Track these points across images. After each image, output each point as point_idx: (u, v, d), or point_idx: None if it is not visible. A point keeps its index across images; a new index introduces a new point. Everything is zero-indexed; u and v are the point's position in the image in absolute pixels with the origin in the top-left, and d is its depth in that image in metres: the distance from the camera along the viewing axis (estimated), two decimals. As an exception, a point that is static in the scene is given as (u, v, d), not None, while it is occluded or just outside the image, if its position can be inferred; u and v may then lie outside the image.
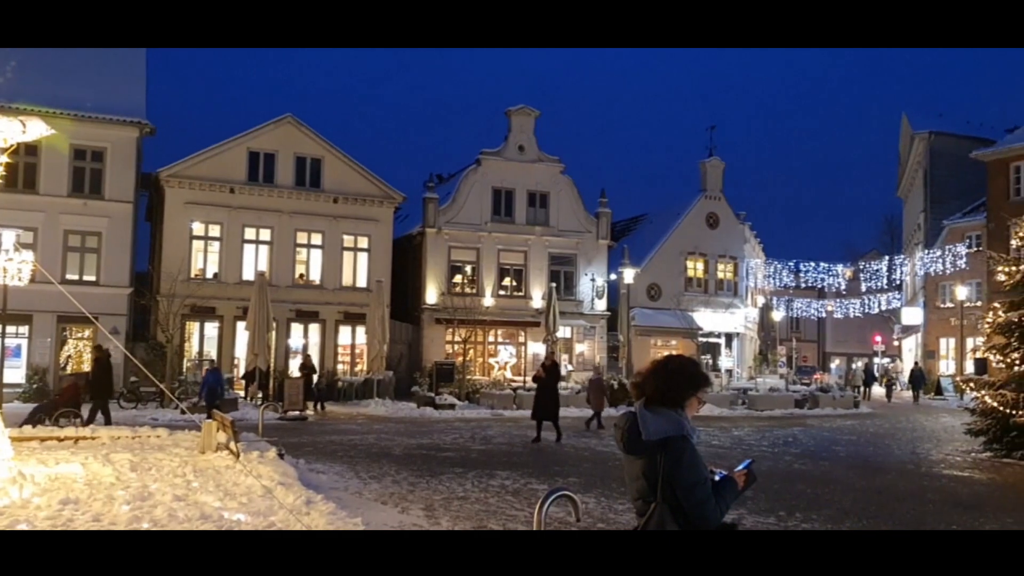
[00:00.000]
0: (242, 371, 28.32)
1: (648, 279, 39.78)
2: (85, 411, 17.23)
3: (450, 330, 32.65)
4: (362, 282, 32.65)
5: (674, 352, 40.92)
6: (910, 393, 37.22)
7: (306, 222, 32.22)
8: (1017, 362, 15.90)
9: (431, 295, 34.41)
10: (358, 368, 31.50)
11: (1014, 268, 16.28)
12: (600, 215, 37.93)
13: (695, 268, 42.17)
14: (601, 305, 37.73)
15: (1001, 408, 15.82)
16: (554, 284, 32.31)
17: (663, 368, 3.54)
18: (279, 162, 31.99)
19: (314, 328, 32.48)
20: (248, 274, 30.18)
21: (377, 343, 27.50)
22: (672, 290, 40.71)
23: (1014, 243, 16.79)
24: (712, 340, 41.92)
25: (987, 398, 16.23)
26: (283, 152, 32.02)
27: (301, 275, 32.69)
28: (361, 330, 31.06)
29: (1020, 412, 15.37)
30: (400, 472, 12.19)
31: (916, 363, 40.54)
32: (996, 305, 17.17)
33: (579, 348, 37.54)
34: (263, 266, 30.46)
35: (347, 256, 33.11)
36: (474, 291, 35.01)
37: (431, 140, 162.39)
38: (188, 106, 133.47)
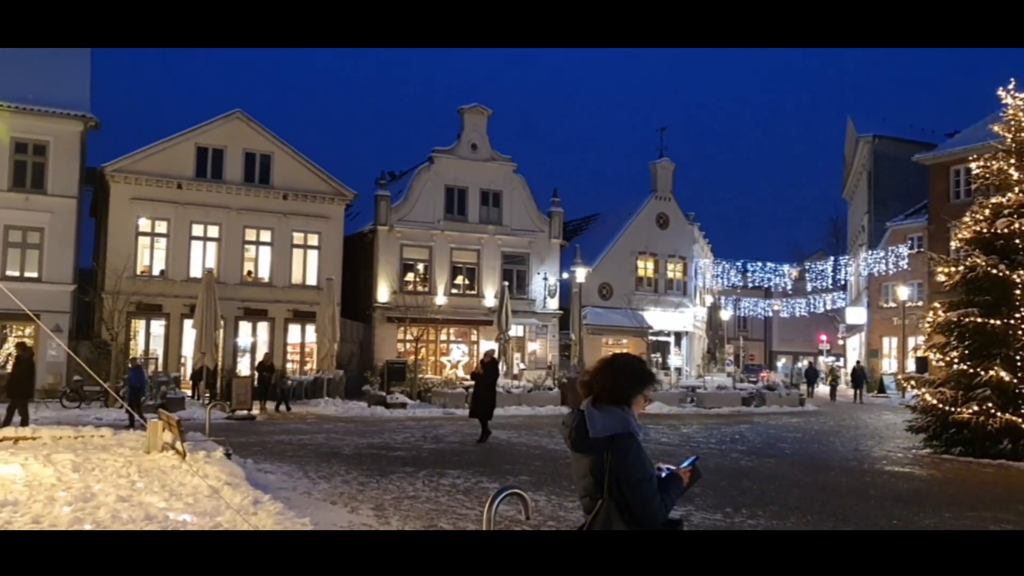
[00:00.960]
0: (189, 370, 27.87)
1: (600, 278, 40.07)
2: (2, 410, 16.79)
3: (402, 328, 32.49)
4: (312, 280, 32.35)
5: (625, 350, 41.32)
6: (852, 391, 37.96)
7: (255, 219, 31.82)
8: (956, 361, 16.36)
9: (383, 293, 34.22)
10: (308, 367, 31.20)
11: (953, 269, 16.74)
12: (552, 214, 38.08)
13: (646, 268, 42.58)
14: (553, 304, 37.90)
15: (940, 405, 16.26)
16: (507, 283, 32.34)
17: (610, 366, 3.56)
18: (228, 158, 31.53)
19: (263, 326, 32.08)
20: (196, 271, 29.71)
21: (327, 342, 27.28)
22: (623, 289, 41.10)
23: (954, 244, 17.28)
24: (662, 339, 42.40)
25: (927, 396, 16.67)
26: (232, 148, 31.58)
27: (250, 272, 32.28)
28: (311, 328, 30.79)
29: (959, 409, 15.82)
30: (350, 472, 12.12)
31: (858, 362, 41.18)
32: (936, 305, 17.63)
33: (531, 347, 37.65)
34: (211, 263, 30.01)
35: (297, 253, 32.77)
36: (426, 289, 34.91)
37: (383, 137, 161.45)
38: (135, 101, 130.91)
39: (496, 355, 21.79)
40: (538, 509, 9.50)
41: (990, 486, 12.64)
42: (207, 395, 23.77)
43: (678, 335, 43.62)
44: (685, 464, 3.64)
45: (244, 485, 8.85)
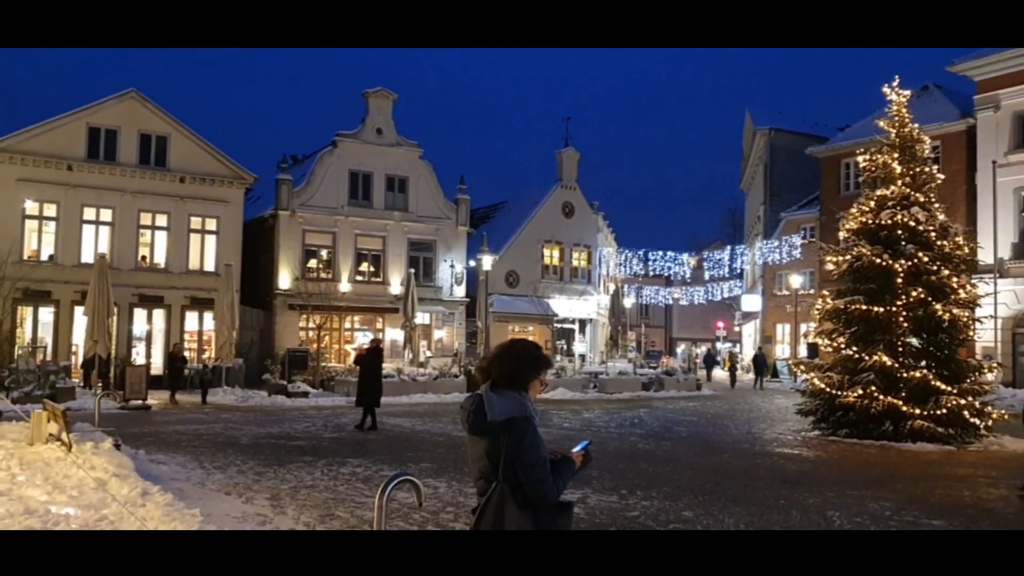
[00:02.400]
0: (80, 358, 26.76)
1: (506, 266, 40.25)
2: None
3: (304, 316, 31.91)
4: (210, 266, 31.48)
5: (531, 337, 41.67)
6: (751, 377, 38.99)
7: (151, 202, 30.73)
8: (842, 346, 17.09)
9: (284, 280, 33.56)
10: (206, 355, 30.36)
11: (840, 258, 17.46)
12: (459, 201, 38.01)
13: (551, 256, 42.99)
14: (460, 291, 37.88)
15: (828, 389, 16.98)
16: (413, 270, 32.16)
17: (507, 352, 3.64)
18: (121, 139, 30.33)
19: (159, 313, 31.07)
20: (87, 256, 28.58)
21: (226, 329, 26.61)
22: (529, 277, 41.40)
23: (842, 235, 17.98)
24: (567, 326, 42.91)
25: (816, 380, 17.38)
26: (126, 128, 30.37)
27: (145, 258, 31.18)
28: (209, 316, 29.95)
29: (845, 393, 16.55)
30: (247, 462, 11.87)
31: (760, 348, 41.84)
32: (825, 293, 18.37)
33: (438, 334, 37.57)
34: (104, 248, 28.89)
35: (194, 239, 31.80)
36: (330, 276, 34.39)
37: (286, 121, 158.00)
38: (21, 76, 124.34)
39: (382, 342, 21.36)
40: (438, 496, 9.52)
41: (872, 466, 13.28)
42: (99, 385, 22.87)
43: (582, 322, 44.25)
44: (578, 448, 3.71)
45: (133, 476, 8.56)
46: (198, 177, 31.36)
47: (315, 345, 29.99)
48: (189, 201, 31.20)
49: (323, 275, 34.20)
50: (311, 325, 31.22)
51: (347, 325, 35.36)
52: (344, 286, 34.38)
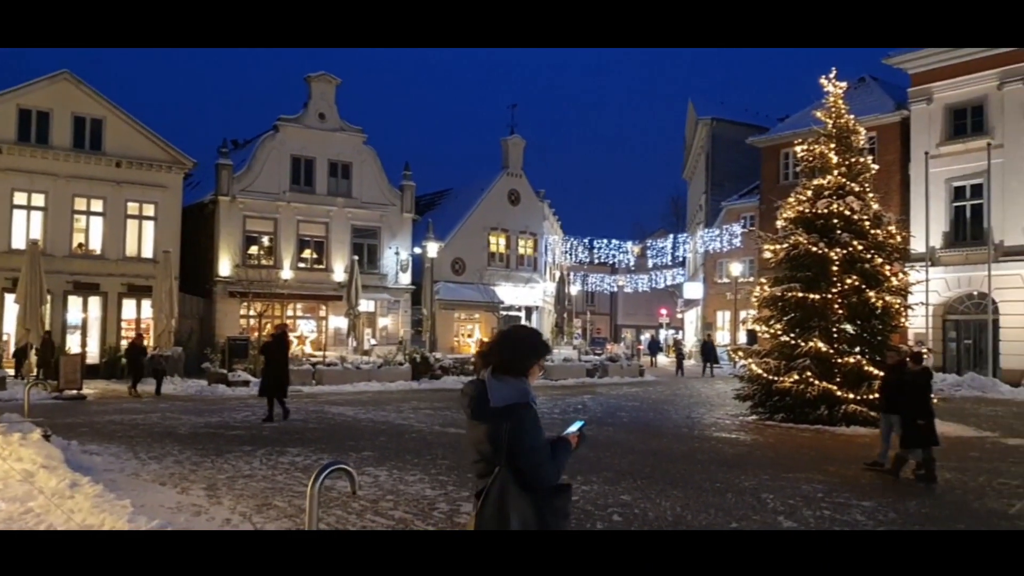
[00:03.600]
0: (12, 347, 25.99)
1: (452, 253, 40.14)
2: None
3: (245, 303, 31.46)
4: (148, 252, 30.80)
5: (475, 325, 41.69)
6: (697, 364, 39.28)
7: (85, 187, 29.90)
8: (779, 333, 17.44)
9: (224, 267, 33.00)
10: (144, 344, 29.68)
11: (778, 247, 17.81)
12: (404, 188, 37.76)
13: (497, 243, 43.00)
14: (405, 279, 37.68)
15: (765, 375, 17.33)
16: (357, 257, 31.88)
17: (508, 338, 3.71)
18: (54, 121, 29.44)
19: (95, 301, 30.30)
20: (19, 242, 27.83)
21: (165, 317, 26.06)
22: (475, 264, 41.37)
23: (780, 224, 18.32)
24: (513, 313, 42.99)
25: (753, 366, 17.72)
26: (59, 111, 29.48)
27: (80, 244, 30.35)
28: (147, 303, 29.31)
29: (781, 378, 16.91)
30: (184, 451, 11.68)
31: (708, 335, 41.74)
32: (763, 281, 18.72)
33: (383, 322, 37.33)
34: (36, 234, 28.16)
35: (131, 224, 31.05)
36: (271, 263, 33.92)
37: (227, 105, 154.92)
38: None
39: (288, 328, 20.32)
40: (378, 484, 9.48)
41: (806, 449, 13.59)
42: (33, 374, 22.25)
43: (528, 310, 44.37)
44: (573, 429, 3.80)
45: (62, 468, 8.35)
46: (135, 162, 30.61)
47: (256, 333, 29.56)
48: (126, 186, 30.45)
49: (264, 262, 33.73)
50: (252, 313, 30.81)
51: (289, 313, 34.90)
52: (286, 273, 33.95)
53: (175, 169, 31.67)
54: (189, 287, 31.85)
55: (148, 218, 31.24)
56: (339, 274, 34.90)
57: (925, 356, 12.94)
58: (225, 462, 10.84)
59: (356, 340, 30.64)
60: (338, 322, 34.39)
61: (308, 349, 32.89)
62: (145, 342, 25.18)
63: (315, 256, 35.57)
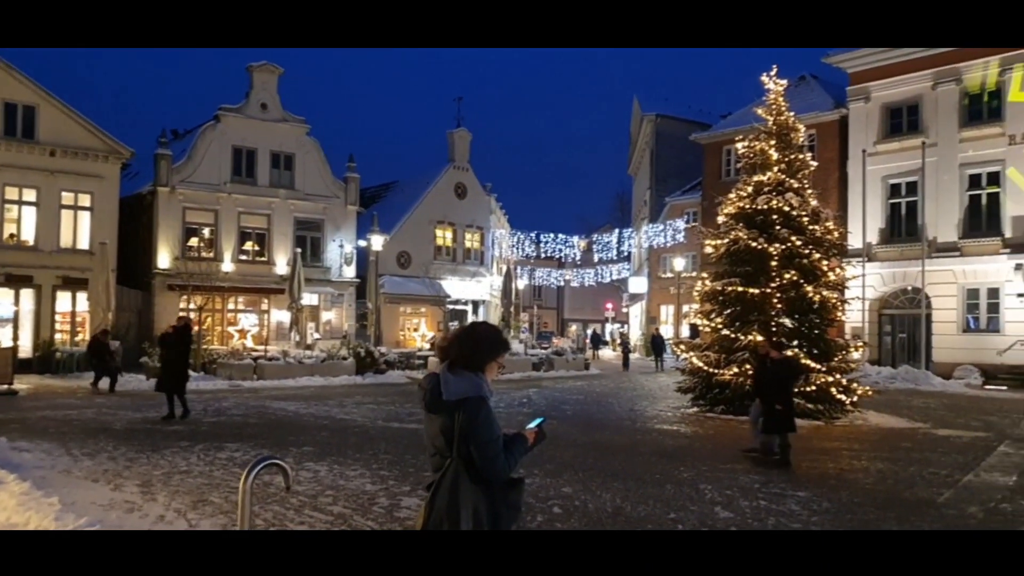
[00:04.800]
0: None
1: (398, 247, 39.92)
2: None
3: (185, 297, 30.83)
4: (84, 244, 29.96)
5: (422, 319, 41.52)
6: (642, 358, 39.43)
7: (17, 176, 28.95)
8: (720, 326, 17.68)
9: (163, 259, 32.32)
10: (79, 338, 28.97)
11: (719, 242, 18.04)
12: (348, 180, 37.39)
13: (444, 237, 42.87)
14: (350, 272, 37.33)
15: (706, 368, 17.56)
16: (299, 250, 31.43)
17: (467, 334, 3.74)
18: (-17, 108, 28.47)
19: (27, 294, 29.35)
20: (-55, 233, 26.80)
21: (101, 311, 25.43)
22: (421, 258, 41.19)
23: (721, 219, 18.57)
24: (459, 307, 42.94)
25: (694, 359, 17.95)
26: (-12, 97, 28.52)
27: (12, 235, 29.39)
28: (83, 296, 28.57)
29: (721, 371, 17.17)
30: (119, 448, 11.42)
31: (656, 329, 41.39)
32: (705, 275, 18.95)
33: (326, 316, 36.95)
34: (-36, 224, 27.14)
35: (66, 215, 30.17)
36: (212, 255, 33.31)
37: (167, 94, 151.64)
38: None
39: (192, 320, 19.26)
40: (318, 479, 9.39)
41: (744, 441, 13.73)
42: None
43: (475, 303, 44.34)
44: (531, 425, 3.82)
45: (-12, 465, 8.10)
46: (70, 151, 29.74)
47: (197, 327, 28.98)
48: (60, 176, 29.57)
49: (205, 254, 33.13)
50: (192, 306, 30.19)
51: (230, 306, 34.36)
52: (227, 266, 33.38)
53: (112, 159, 30.86)
54: (127, 280, 31.12)
55: (84, 208, 30.40)
56: (281, 267, 34.46)
57: (790, 351, 13.30)
58: (161, 458, 10.62)
59: (299, 334, 30.27)
60: (280, 316, 33.96)
61: (249, 343, 32.38)
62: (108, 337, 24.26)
63: (257, 248, 35.05)
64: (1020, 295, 27.49)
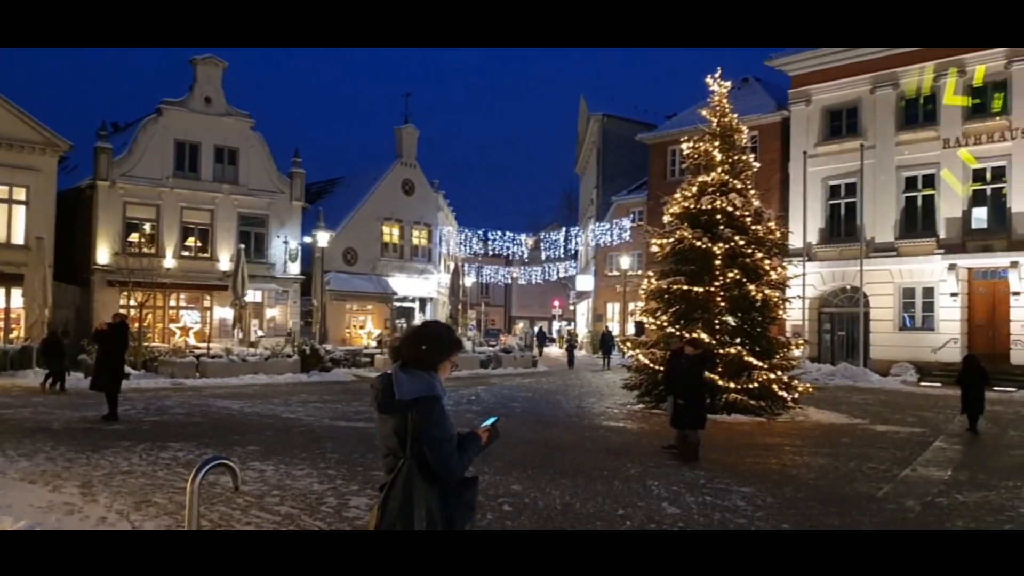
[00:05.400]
0: None
1: (344, 243, 39.58)
2: None
3: (125, 293, 30.15)
4: (19, 239, 29.15)
5: (369, 317, 41.23)
6: (589, 356, 39.53)
7: (-53, 168, 28.04)
8: (665, 324, 17.90)
9: (103, 255, 31.57)
10: (14, 335, 28.15)
11: (664, 241, 18.28)
12: (294, 175, 36.96)
13: (391, 234, 42.63)
14: (295, 269, 36.91)
15: (652, 365, 17.76)
16: (243, 245, 30.99)
17: (419, 333, 3.70)
18: (-88, 98, 27.49)
19: (-42, 290, 28.49)
20: None
21: (37, 307, 24.73)
22: (368, 255, 40.90)
23: (666, 219, 18.80)
24: (406, 304, 42.75)
25: (641, 356, 18.16)
26: (-84, 86, 27.52)
27: (-58, 229, 28.47)
28: (18, 292, 27.73)
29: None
30: (57, 448, 11.13)
31: (606, 327, 41.36)
32: (650, 274, 19.16)
33: (270, 313, 36.49)
34: None
35: (0, 209, 29.29)
36: (153, 251, 32.65)
37: (108, 86, 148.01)
38: None
39: (128, 317, 18.79)
40: (264, 479, 9.28)
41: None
42: None
43: (422, 301, 44.18)
44: (485, 424, 3.80)
45: (-80, 468, 7.83)
46: (4, 143, 28.88)
47: (137, 324, 28.39)
48: (-7, 168, 28.71)
49: (146, 250, 32.46)
50: (133, 303, 29.55)
51: (172, 303, 33.73)
52: (169, 262, 32.74)
53: (49, 151, 30.04)
54: (64, 275, 30.31)
55: (19, 202, 29.55)
56: (225, 263, 33.91)
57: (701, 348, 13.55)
58: (102, 458, 10.38)
59: (242, 331, 29.85)
60: (223, 313, 33.44)
61: (192, 341, 31.80)
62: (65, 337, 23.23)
63: (199, 244, 34.45)
64: (953, 295, 28.36)
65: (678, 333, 17.45)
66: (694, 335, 16.94)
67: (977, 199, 28.74)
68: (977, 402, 15.00)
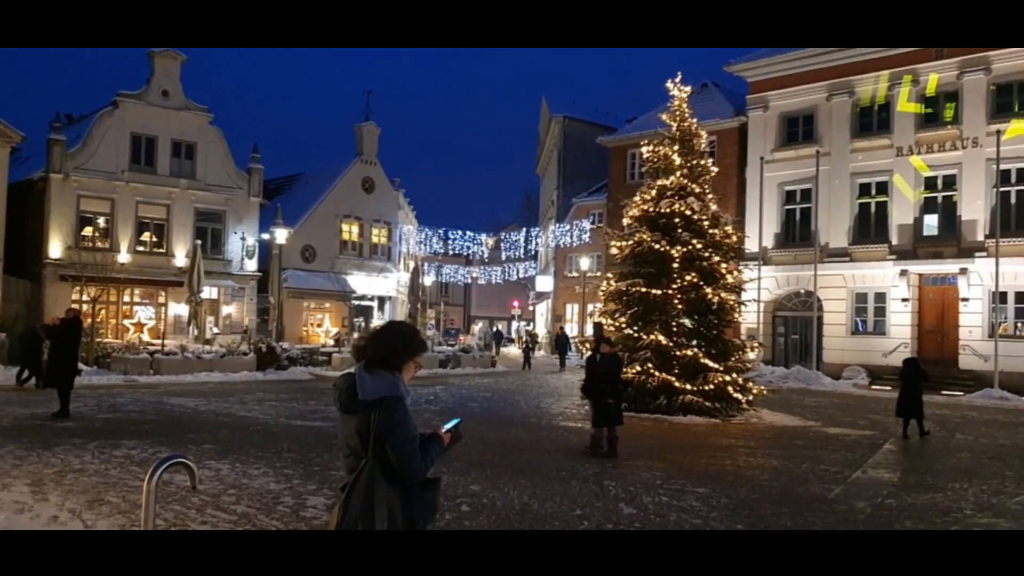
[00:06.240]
0: None
1: (302, 240, 39.26)
2: None
3: (78, 288, 29.58)
4: (-33, 231, 28.44)
5: (326, 314, 40.92)
6: (547, 356, 39.62)
7: None
8: (624, 325, 18.06)
9: (55, 249, 30.96)
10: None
11: (624, 243, 18.43)
12: (252, 171, 36.58)
13: (350, 231, 42.39)
14: (252, 265, 36.54)
15: (610, 366, 17.89)
16: (200, 241, 30.57)
17: (384, 333, 3.69)
18: None
19: (-98, 283, 27.73)
20: None
21: (-15, 301, 24.19)
22: (327, 252, 40.63)
23: (626, 221, 18.96)
24: (365, 303, 42.55)
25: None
26: None
27: None
28: (-35, 286, 27.12)
29: (625, 369, 17.47)
30: (5, 445, 10.89)
31: (561, 328, 41.40)
32: (610, 275, 19.31)
33: (227, 310, 36.07)
34: None
35: (-53, 201, 28.62)
36: (107, 246, 32.08)
37: (63, 77, 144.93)
38: None
39: (80, 312, 18.06)
40: (220, 478, 9.19)
41: (646, 438, 14.17)
42: None
43: (381, 299, 44.01)
44: (448, 426, 3.78)
45: None
46: (-48, 132, 28.20)
47: (90, 319, 27.85)
48: (-60, 158, 28.00)
49: (100, 244, 31.90)
50: (86, 298, 29.01)
51: (126, 298, 33.18)
52: (123, 257, 32.22)
53: (0, 142, 29.35)
54: (15, 269, 29.67)
55: (-33, 194, 28.84)
56: (180, 259, 33.46)
57: (614, 347, 13.83)
58: (53, 456, 10.20)
59: (197, 328, 29.45)
60: (179, 309, 32.97)
61: (146, 337, 31.31)
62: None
63: (155, 239, 33.95)
64: (904, 300, 28.97)
65: (636, 334, 17.65)
66: (652, 336, 17.17)
67: (928, 207, 29.39)
68: (916, 406, 15.15)
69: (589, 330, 34.72)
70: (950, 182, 28.78)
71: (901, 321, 29.23)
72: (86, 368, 23.49)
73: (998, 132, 26.45)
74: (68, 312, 16.29)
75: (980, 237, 27.59)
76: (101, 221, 32.71)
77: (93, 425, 13.40)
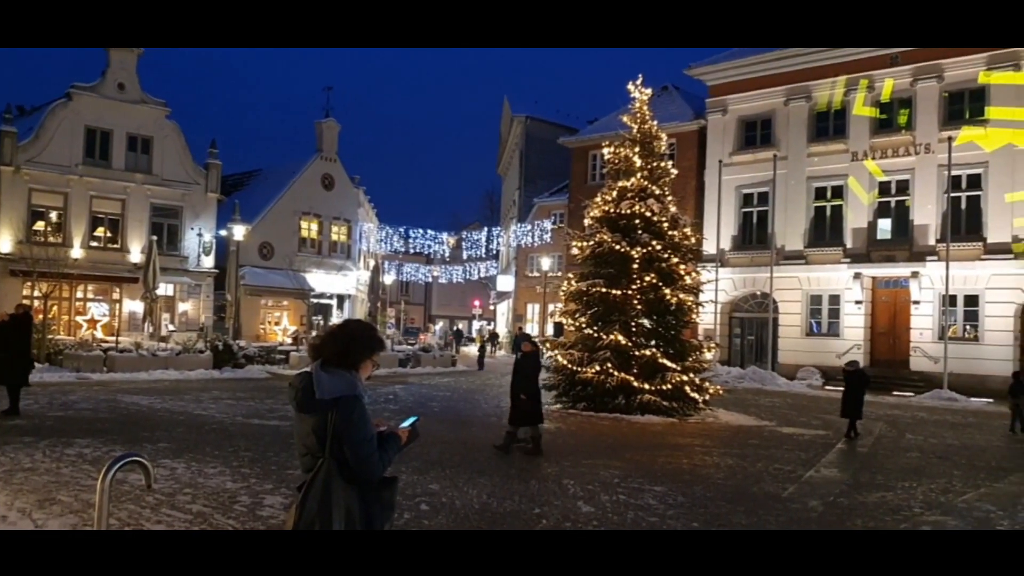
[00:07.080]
0: None
1: (260, 237, 38.83)
2: None
3: (29, 283, 28.97)
4: (-87, 224, 27.70)
5: (285, 312, 40.54)
6: (507, 355, 39.61)
7: None
8: (584, 325, 18.17)
9: (5, 243, 30.27)
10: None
11: (584, 244, 18.54)
12: (209, 167, 36.10)
13: (309, 229, 42.02)
14: (209, 262, 36.05)
15: (570, 365, 18.01)
16: (155, 237, 30.06)
17: (341, 332, 3.67)
18: None
19: None
20: None
21: (-69, 296, 23.57)
22: (285, 250, 40.23)
23: (587, 222, 19.07)
24: (324, 301, 42.20)
25: (559, 357, 18.38)
26: None
27: None
28: (-90, 281, 26.40)
29: (584, 369, 17.64)
30: (-48, 444, 10.64)
31: (519, 327, 41.56)
32: (570, 276, 19.42)
33: (183, 307, 35.58)
34: None
35: None
36: (60, 240, 31.44)
37: (14, 68, 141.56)
38: None
39: (31, 308, 17.29)
40: (175, 477, 9.08)
41: (605, 437, 14.28)
42: None
43: (340, 298, 43.68)
44: (405, 424, 3.79)
45: None
46: (-103, 122, 27.44)
47: (41, 316, 27.28)
48: None
49: (52, 239, 31.26)
50: (37, 293, 28.41)
51: (79, 294, 32.55)
52: (76, 252, 31.62)
53: (-53, 133, 28.68)
54: (-39, 264, 28.99)
55: (-88, 186, 28.10)
56: (136, 255, 32.92)
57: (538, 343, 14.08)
58: (1, 454, 9.97)
59: (152, 325, 28.97)
60: (133, 306, 32.44)
61: (99, 334, 30.75)
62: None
63: (109, 235, 33.36)
64: (858, 302, 29.51)
65: (595, 334, 17.76)
66: (612, 336, 17.28)
67: (882, 211, 29.96)
68: (856, 407, 15.66)
69: (550, 329, 34.89)
70: (903, 187, 29.38)
71: (855, 323, 29.76)
72: (37, 365, 23.02)
73: (949, 139, 27.06)
74: (18, 308, 15.87)
75: (931, 241, 28.20)
76: (54, 215, 32.08)
77: (44, 423, 13.14)
